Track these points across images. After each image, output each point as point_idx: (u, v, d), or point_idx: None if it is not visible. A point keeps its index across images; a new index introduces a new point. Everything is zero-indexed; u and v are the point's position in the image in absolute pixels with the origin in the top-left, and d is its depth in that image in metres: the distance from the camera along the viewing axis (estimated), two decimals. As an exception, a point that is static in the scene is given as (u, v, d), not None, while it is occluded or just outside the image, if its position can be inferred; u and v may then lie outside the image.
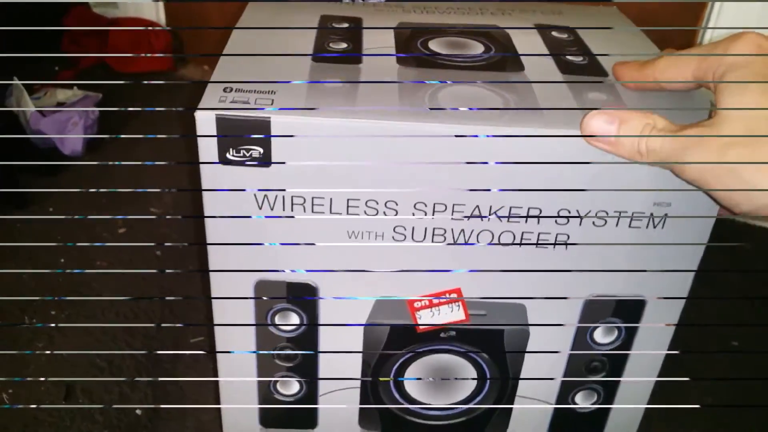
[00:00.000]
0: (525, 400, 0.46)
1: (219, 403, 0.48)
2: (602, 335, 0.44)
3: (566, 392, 0.46)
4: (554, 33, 0.47)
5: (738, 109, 0.32)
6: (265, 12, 0.49)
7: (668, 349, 0.45)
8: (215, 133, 0.36)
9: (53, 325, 0.71)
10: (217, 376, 0.47)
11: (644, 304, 0.42)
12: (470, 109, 0.37)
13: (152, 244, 0.83)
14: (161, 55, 1.25)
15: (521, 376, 0.45)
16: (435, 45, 0.44)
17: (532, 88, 0.40)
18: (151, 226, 0.87)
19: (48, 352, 0.68)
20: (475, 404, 0.47)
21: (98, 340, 0.70)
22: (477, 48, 0.44)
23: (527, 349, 0.44)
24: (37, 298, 0.75)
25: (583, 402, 0.47)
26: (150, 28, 1.28)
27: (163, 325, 0.73)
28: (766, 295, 0.83)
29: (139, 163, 0.96)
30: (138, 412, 0.63)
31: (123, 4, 1.34)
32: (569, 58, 0.44)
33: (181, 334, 0.72)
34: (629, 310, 0.42)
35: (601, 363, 0.45)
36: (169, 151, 1.01)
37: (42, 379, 0.65)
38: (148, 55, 1.24)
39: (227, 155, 0.37)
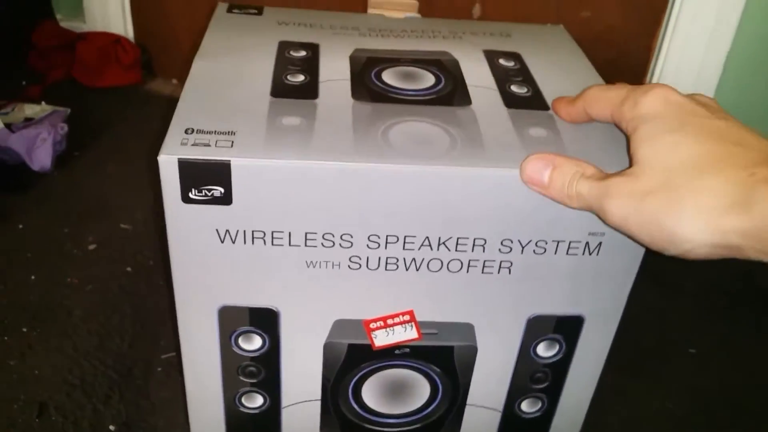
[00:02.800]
0: (475, 408, 0.50)
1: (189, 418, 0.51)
2: (544, 349, 0.47)
3: (513, 400, 0.50)
4: (501, 60, 0.50)
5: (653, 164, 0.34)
6: (226, 35, 0.51)
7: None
8: (178, 175, 0.38)
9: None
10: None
11: (583, 321, 0.46)
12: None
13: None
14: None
15: (471, 387, 0.49)
16: (388, 76, 0.46)
17: (477, 123, 0.42)
18: (122, 242, 0.87)
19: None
20: (428, 412, 0.50)
21: (71, 358, 0.71)
22: (428, 79, 0.46)
23: (476, 363, 0.47)
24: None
25: (528, 408, 0.50)
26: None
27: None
28: (719, 301, 0.87)
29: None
30: (111, 427, 0.64)
31: (90, 19, 1.32)
32: (514, 89, 0.46)
33: (153, 350, 0.72)
34: (569, 327, 0.46)
35: (544, 374, 0.48)
36: (138, 166, 1.02)
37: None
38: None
39: (190, 195, 0.39)
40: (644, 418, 0.70)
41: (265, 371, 0.47)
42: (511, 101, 0.45)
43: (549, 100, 0.45)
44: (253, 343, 0.45)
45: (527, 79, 0.48)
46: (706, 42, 0.99)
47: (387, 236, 0.41)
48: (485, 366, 0.47)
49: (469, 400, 0.49)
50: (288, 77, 0.45)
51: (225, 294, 0.43)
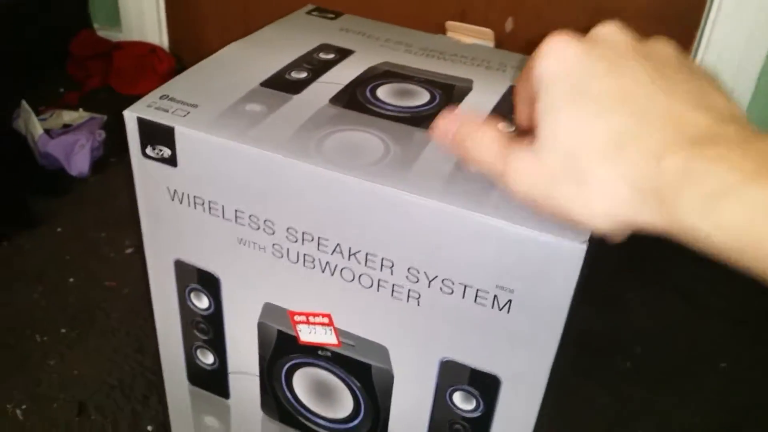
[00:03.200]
0: (397, 438, 0.48)
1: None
2: (461, 400, 0.44)
3: (434, 444, 0.47)
4: (519, 97, 0.47)
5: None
6: (281, 30, 0.55)
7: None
8: (137, 131, 0.43)
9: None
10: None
11: (499, 381, 0.42)
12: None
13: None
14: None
15: (392, 416, 0.47)
16: (383, 89, 0.47)
17: (425, 148, 0.41)
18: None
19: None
20: (354, 426, 0.49)
21: (109, 359, 0.73)
22: (419, 99, 0.46)
23: (395, 392, 0.46)
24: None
25: (450, 459, 0.47)
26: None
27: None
28: (748, 316, 0.86)
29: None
30: (149, 428, 0.67)
31: (127, 28, 1.36)
32: (501, 127, 0.44)
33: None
34: (485, 384, 0.42)
35: (463, 427, 0.45)
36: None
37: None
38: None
39: (146, 151, 0.44)
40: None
41: (213, 332, 0.51)
42: (483, 135, 0.43)
43: (531, 144, 0.42)
44: (202, 301, 0.50)
45: (528, 119, 0.45)
46: (738, 60, 0.96)
47: (303, 233, 0.42)
48: (403, 398, 0.46)
49: (391, 429, 0.48)
50: (292, 73, 0.48)
51: (178, 249, 0.48)
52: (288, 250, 0.43)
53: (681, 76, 0.30)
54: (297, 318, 0.46)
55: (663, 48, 0.32)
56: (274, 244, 0.44)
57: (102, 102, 1.24)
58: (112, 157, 1.10)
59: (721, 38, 0.96)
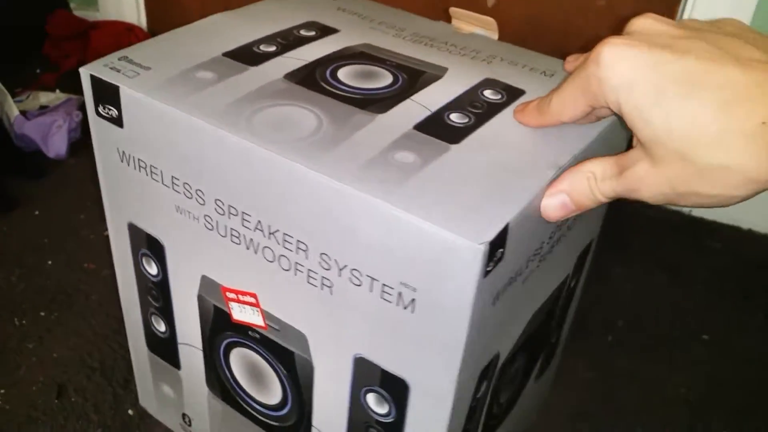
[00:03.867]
0: (321, 433, 0.46)
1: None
2: (374, 403, 0.41)
3: (354, 445, 0.45)
4: (488, 91, 0.44)
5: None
6: (273, 5, 0.54)
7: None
8: (90, 89, 0.44)
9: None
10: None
11: (407, 387, 0.39)
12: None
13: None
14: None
15: (315, 410, 0.45)
16: (344, 69, 0.45)
17: (360, 130, 0.39)
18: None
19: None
20: (283, 414, 0.48)
21: (89, 341, 0.71)
22: (376, 82, 0.44)
23: (315, 384, 0.44)
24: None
25: (369, 464, 0.45)
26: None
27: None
28: (732, 288, 0.86)
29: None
30: (130, 412, 0.64)
31: (104, 7, 1.31)
32: (452, 116, 0.41)
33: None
34: (395, 388, 0.40)
35: (376, 430, 0.42)
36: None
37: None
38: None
39: (98, 109, 0.44)
40: (657, 403, 0.70)
41: (162, 299, 0.51)
42: (426, 125, 0.40)
43: (482, 136, 0.39)
44: (152, 267, 0.50)
45: (488, 113, 0.42)
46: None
47: (229, 206, 0.41)
48: (323, 392, 0.44)
49: (314, 423, 0.46)
50: (261, 46, 0.47)
51: (130, 212, 0.48)
52: (217, 222, 0.42)
53: (728, 49, 0.31)
54: (228, 295, 0.45)
55: (698, 24, 0.34)
56: (205, 215, 0.43)
57: (79, 83, 1.15)
58: (90, 138, 1.07)
59: (706, 3, 0.94)
